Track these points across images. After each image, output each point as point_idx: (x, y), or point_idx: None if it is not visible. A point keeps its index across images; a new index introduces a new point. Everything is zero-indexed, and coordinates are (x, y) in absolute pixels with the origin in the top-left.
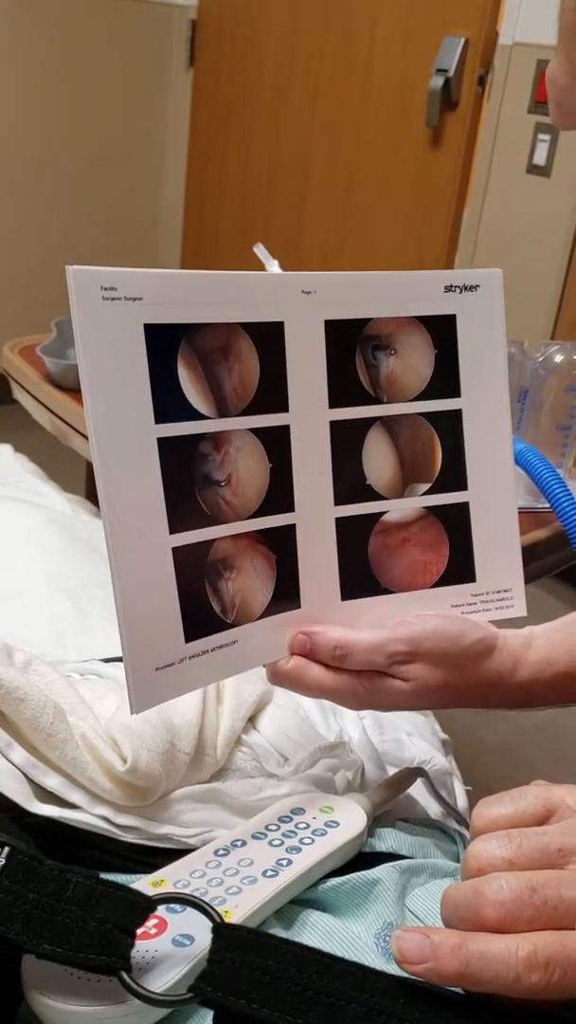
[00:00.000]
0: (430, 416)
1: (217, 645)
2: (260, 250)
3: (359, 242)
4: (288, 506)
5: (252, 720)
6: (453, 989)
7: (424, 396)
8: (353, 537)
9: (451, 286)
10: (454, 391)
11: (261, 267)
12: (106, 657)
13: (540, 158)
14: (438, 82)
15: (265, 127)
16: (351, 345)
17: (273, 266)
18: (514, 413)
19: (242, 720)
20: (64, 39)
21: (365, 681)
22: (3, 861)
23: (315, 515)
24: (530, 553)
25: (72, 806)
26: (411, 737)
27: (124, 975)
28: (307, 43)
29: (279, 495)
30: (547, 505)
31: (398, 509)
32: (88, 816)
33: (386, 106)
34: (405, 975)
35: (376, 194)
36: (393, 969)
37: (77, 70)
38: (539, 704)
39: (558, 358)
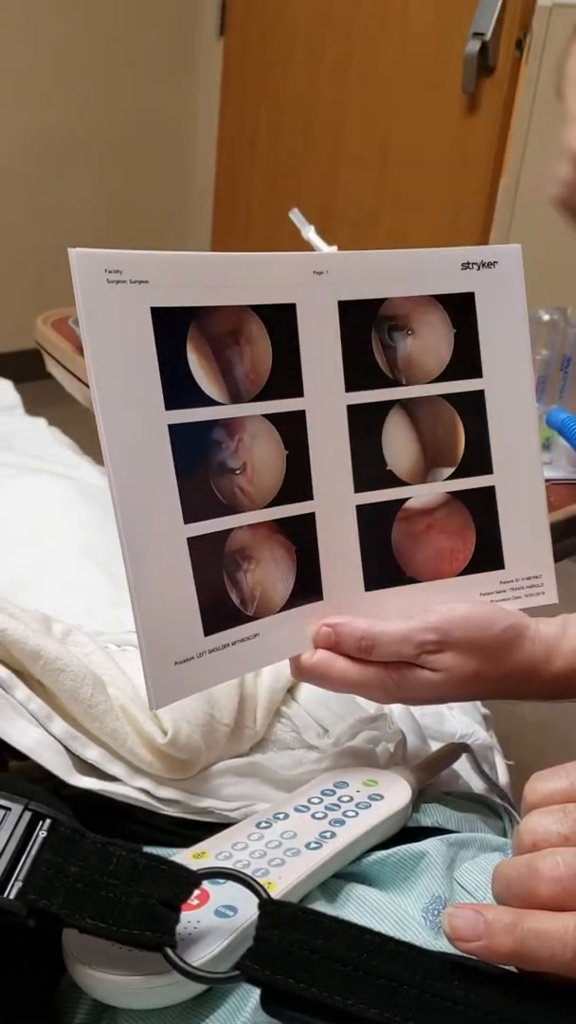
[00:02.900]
0: (451, 398)
1: (238, 639)
2: (296, 216)
3: (393, 211)
4: (307, 494)
5: (291, 691)
6: (507, 968)
7: (444, 377)
8: (375, 525)
9: (468, 263)
10: (475, 371)
11: (296, 234)
12: None
13: None
14: (474, 46)
15: (297, 95)
16: (366, 326)
17: (309, 231)
18: (556, 382)
19: (281, 691)
20: (93, 8)
21: (393, 673)
22: (45, 833)
23: (335, 503)
24: (572, 526)
25: (112, 778)
26: (451, 711)
27: (169, 951)
28: (339, 8)
29: (297, 483)
30: None
31: (421, 495)
32: (128, 789)
33: (421, 72)
34: (456, 951)
35: (410, 162)
36: (442, 944)
37: (107, 40)
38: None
39: None
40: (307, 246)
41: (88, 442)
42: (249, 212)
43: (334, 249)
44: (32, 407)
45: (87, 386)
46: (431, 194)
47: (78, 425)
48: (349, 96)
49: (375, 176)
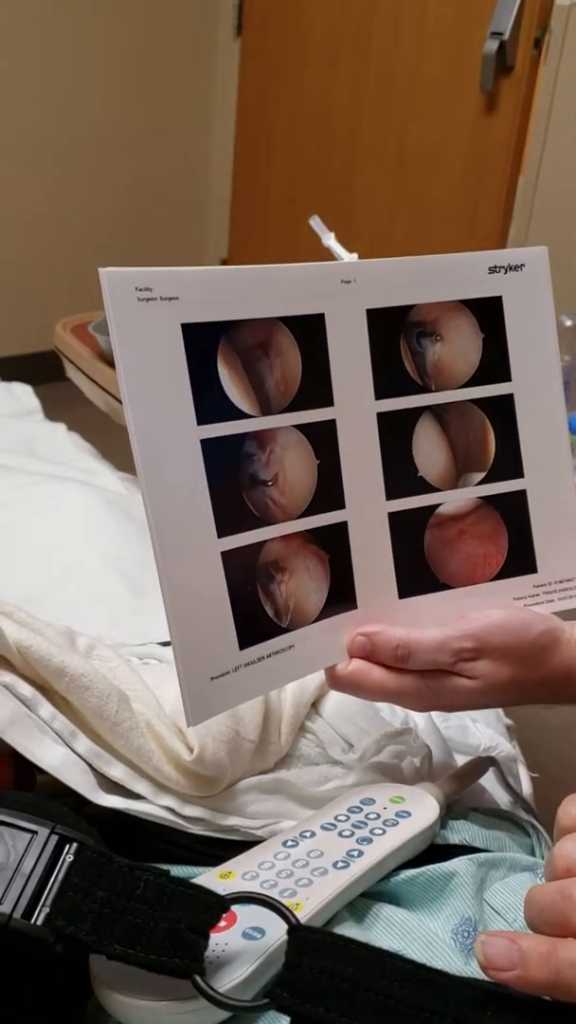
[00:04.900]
0: (481, 403)
1: (273, 651)
2: (316, 223)
3: (411, 211)
4: (338, 503)
5: (315, 706)
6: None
7: (473, 382)
8: (408, 532)
9: (495, 267)
10: (504, 375)
11: (314, 238)
12: (164, 641)
13: None
14: (493, 46)
15: (315, 95)
16: (395, 333)
17: (330, 239)
18: None
19: (305, 706)
20: (110, 8)
21: (430, 681)
22: (71, 857)
23: (367, 511)
24: None
25: (137, 796)
26: (476, 723)
27: (198, 979)
28: (357, 8)
29: (328, 492)
30: None
31: (453, 501)
32: (153, 807)
33: (439, 72)
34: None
35: (429, 162)
36: (473, 968)
37: (124, 41)
38: None
39: None
40: (326, 251)
41: (106, 446)
42: (266, 212)
43: (355, 256)
44: (48, 410)
45: (107, 392)
46: (449, 194)
47: (95, 428)
48: (367, 96)
49: (393, 176)
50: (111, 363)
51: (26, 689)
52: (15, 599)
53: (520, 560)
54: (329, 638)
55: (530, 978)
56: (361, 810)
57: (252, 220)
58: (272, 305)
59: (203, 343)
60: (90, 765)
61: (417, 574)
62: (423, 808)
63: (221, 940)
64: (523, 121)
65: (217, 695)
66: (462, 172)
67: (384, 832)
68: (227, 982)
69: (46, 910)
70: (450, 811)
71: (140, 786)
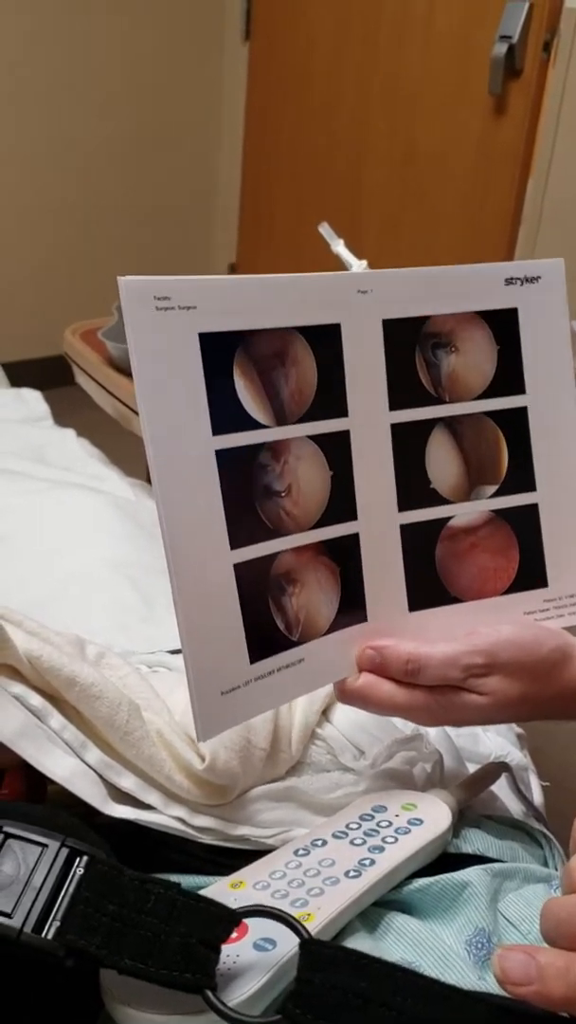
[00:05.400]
0: (494, 415)
1: (283, 664)
2: (325, 229)
3: (418, 215)
4: (351, 514)
5: (325, 713)
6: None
7: (488, 394)
8: (419, 544)
9: (512, 278)
10: (518, 388)
11: (322, 242)
12: (173, 649)
13: None
14: (501, 49)
15: (322, 99)
16: (410, 344)
17: (339, 245)
18: None
19: (316, 713)
20: (118, 12)
21: (439, 696)
22: (82, 870)
23: (379, 523)
24: None
25: (147, 807)
26: (486, 732)
27: (209, 994)
28: (364, 12)
29: (341, 503)
30: None
31: (465, 513)
32: (164, 817)
33: (447, 75)
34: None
35: (436, 166)
36: (488, 980)
37: (131, 45)
38: None
39: None
40: (334, 255)
41: (114, 451)
42: (273, 216)
43: (364, 263)
44: (57, 414)
45: (115, 397)
46: (457, 198)
47: (104, 433)
48: (374, 99)
49: (400, 180)
50: (120, 369)
51: (36, 700)
52: (23, 605)
53: (531, 574)
54: (339, 651)
55: (548, 993)
56: (373, 818)
57: (260, 225)
58: (288, 315)
59: (220, 353)
60: (100, 776)
61: (428, 587)
62: (435, 815)
63: (232, 952)
64: (532, 125)
65: (227, 710)
66: (470, 176)
67: (396, 840)
68: (238, 995)
69: (56, 924)
70: (462, 818)
71: (150, 796)
